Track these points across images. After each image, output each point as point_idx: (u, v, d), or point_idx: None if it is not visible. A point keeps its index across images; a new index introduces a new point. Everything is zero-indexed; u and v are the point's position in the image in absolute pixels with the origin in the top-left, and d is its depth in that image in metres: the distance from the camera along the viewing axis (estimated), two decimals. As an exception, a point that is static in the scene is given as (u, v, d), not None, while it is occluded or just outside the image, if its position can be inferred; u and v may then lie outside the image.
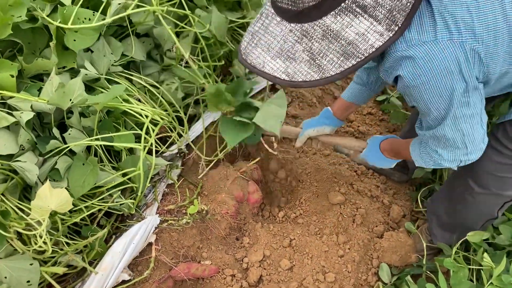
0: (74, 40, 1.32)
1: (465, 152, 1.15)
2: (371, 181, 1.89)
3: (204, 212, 1.50)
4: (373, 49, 0.95)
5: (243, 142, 1.53)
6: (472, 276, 1.45)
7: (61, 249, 1.25)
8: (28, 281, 1.15)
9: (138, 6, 1.36)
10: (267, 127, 1.29)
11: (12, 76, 1.21)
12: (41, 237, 1.14)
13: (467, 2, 0.97)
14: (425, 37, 0.97)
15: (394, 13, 0.93)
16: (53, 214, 1.19)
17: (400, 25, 0.94)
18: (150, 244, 1.42)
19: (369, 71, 1.51)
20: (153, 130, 1.39)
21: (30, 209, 1.15)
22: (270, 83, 1.81)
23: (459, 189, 1.44)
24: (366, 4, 0.92)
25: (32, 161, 1.22)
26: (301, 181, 1.80)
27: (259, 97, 1.85)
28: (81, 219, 1.32)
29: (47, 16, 1.30)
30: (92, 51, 1.43)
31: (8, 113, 1.20)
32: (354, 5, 0.93)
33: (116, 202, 1.36)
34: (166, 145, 1.58)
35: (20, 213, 1.17)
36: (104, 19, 1.34)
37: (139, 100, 1.49)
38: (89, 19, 1.33)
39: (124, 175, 1.37)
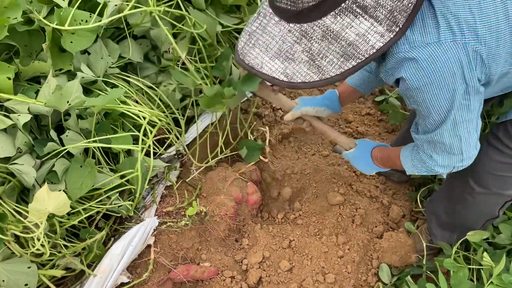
0: (71, 42, 1.32)
1: (460, 159, 1.14)
2: (370, 181, 1.88)
3: (203, 213, 1.50)
4: (374, 50, 0.94)
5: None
6: (472, 275, 1.44)
7: (59, 252, 1.24)
8: (26, 284, 1.14)
9: (135, 7, 1.36)
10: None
11: (9, 78, 1.20)
12: (38, 240, 1.14)
13: (469, 3, 0.96)
14: (428, 38, 0.96)
15: (395, 14, 0.92)
16: (51, 216, 1.18)
17: (401, 26, 0.93)
18: (149, 246, 1.41)
19: None
20: (151, 132, 1.38)
21: (27, 212, 1.15)
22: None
23: (458, 189, 1.44)
24: (367, 4, 0.91)
25: (29, 164, 1.21)
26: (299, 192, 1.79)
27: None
28: (79, 222, 1.31)
29: (44, 18, 1.29)
30: (89, 53, 1.42)
31: (5, 115, 1.20)
32: (354, 5, 0.92)
33: (114, 204, 1.35)
34: (164, 147, 1.58)
35: (18, 216, 1.17)
36: (101, 21, 1.34)
37: (137, 102, 1.48)
38: (86, 21, 1.33)
39: (122, 177, 1.36)
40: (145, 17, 1.46)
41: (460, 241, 1.48)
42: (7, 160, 1.20)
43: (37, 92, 1.27)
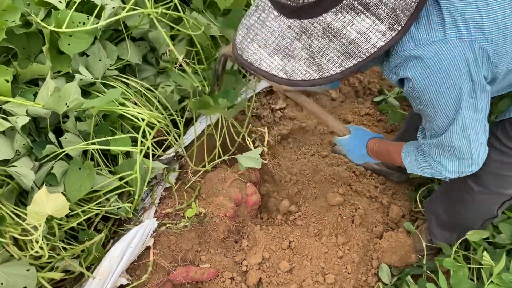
0: (69, 44, 1.32)
1: (469, 163, 1.11)
2: (370, 181, 1.88)
3: (202, 215, 1.50)
4: (375, 49, 0.93)
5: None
6: (473, 275, 1.44)
7: (58, 254, 1.24)
8: (25, 287, 1.14)
9: (132, 9, 1.36)
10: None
11: (7, 81, 1.20)
12: (37, 242, 1.14)
13: (476, 0, 0.94)
14: (434, 36, 0.95)
15: (397, 12, 0.90)
16: (49, 219, 1.18)
17: (403, 25, 0.91)
18: (148, 248, 1.41)
19: None
20: (150, 134, 1.38)
21: (26, 214, 1.14)
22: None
23: (457, 189, 1.44)
24: (369, 2, 0.89)
25: (28, 166, 1.21)
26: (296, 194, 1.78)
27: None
28: (78, 224, 1.31)
29: (41, 20, 1.30)
30: (87, 55, 1.43)
31: (3, 118, 1.20)
32: (356, 2, 0.90)
33: (113, 206, 1.35)
34: (162, 148, 1.58)
35: (16, 219, 1.17)
36: (98, 23, 1.34)
37: (135, 104, 1.48)
38: (84, 23, 1.33)
39: (121, 179, 1.36)
40: (143, 19, 1.47)
41: (460, 240, 1.47)
42: (5, 162, 1.20)
43: (35, 95, 1.27)
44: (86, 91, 1.42)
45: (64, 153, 1.27)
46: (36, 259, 1.19)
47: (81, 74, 1.37)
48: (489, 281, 1.31)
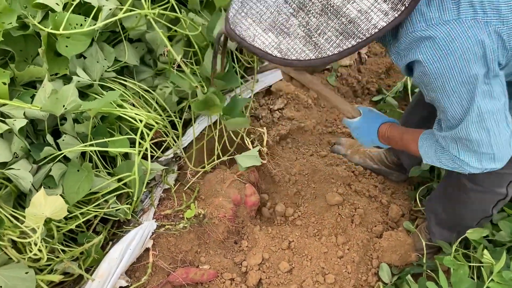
0: (66, 46, 1.32)
1: (491, 158, 1.03)
2: (369, 181, 1.88)
3: (201, 216, 1.50)
4: (376, 30, 0.87)
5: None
6: (473, 273, 1.44)
7: (57, 257, 1.24)
8: (24, 290, 1.14)
9: (129, 10, 1.36)
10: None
11: (4, 83, 1.20)
12: (36, 244, 1.13)
13: None
14: (447, 15, 0.89)
15: None
16: (48, 221, 1.18)
17: (407, 5, 0.86)
18: (147, 249, 1.41)
19: None
20: (148, 135, 1.38)
21: (24, 217, 1.14)
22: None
23: (453, 187, 1.43)
24: None
25: (26, 169, 1.21)
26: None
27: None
28: (77, 226, 1.31)
29: (39, 22, 1.29)
30: (85, 57, 1.42)
31: (1, 121, 1.20)
32: None
33: (112, 208, 1.35)
34: (161, 150, 1.57)
35: (15, 221, 1.17)
36: (95, 24, 1.34)
37: (134, 105, 1.48)
38: (81, 25, 1.33)
39: (119, 180, 1.36)
40: (140, 20, 1.46)
41: (460, 239, 1.47)
42: (3, 165, 1.19)
43: (33, 97, 1.27)
44: (84, 93, 1.42)
45: (62, 155, 1.27)
46: (34, 261, 1.19)
47: (79, 76, 1.37)
48: (490, 279, 1.30)
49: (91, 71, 1.42)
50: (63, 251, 1.26)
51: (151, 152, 1.44)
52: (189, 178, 1.63)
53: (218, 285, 1.49)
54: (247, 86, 1.85)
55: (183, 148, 1.65)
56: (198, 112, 1.52)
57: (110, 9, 1.36)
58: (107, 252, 1.32)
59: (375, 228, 1.69)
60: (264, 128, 1.78)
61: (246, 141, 1.68)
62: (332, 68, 2.17)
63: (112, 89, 1.45)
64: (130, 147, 1.36)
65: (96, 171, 1.36)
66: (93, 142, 1.31)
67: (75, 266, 1.26)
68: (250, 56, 1.87)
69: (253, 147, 1.63)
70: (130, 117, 1.39)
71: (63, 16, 1.30)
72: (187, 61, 1.57)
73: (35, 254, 1.15)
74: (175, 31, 1.52)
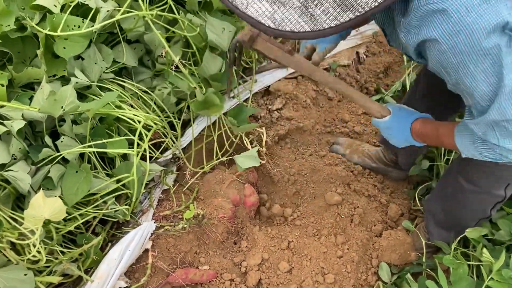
0: (64, 48, 1.32)
1: None
2: (368, 180, 1.88)
3: (200, 216, 1.50)
4: (376, 3, 0.82)
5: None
6: (472, 272, 1.43)
7: (56, 258, 1.24)
8: (23, 292, 1.14)
9: (127, 12, 1.37)
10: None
11: (2, 85, 1.21)
12: (34, 246, 1.13)
13: None
14: None
15: None
16: (46, 223, 1.18)
17: None
18: (146, 250, 1.41)
19: None
20: (146, 136, 1.38)
21: (23, 218, 1.14)
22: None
23: (450, 188, 1.42)
24: None
25: (24, 170, 1.21)
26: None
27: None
28: (76, 227, 1.31)
29: (36, 24, 1.30)
30: (83, 59, 1.43)
31: (-1, 122, 1.20)
32: None
33: (111, 209, 1.35)
34: (160, 151, 1.57)
35: (13, 223, 1.17)
36: (93, 26, 1.34)
37: (132, 106, 1.48)
38: (79, 27, 1.33)
39: (118, 181, 1.36)
40: (138, 21, 1.47)
41: (458, 238, 1.47)
42: (1, 167, 1.20)
43: (31, 99, 1.28)
44: (82, 94, 1.42)
45: (61, 156, 1.27)
46: (33, 263, 1.19)
47: (77, 78, 1.37)
48: (489, 277, 1.30)
49: (89, 73, 1.42)
50: (62, 252, 1.26)
51: (150, 153, 1.44)
52: (188, 178, 1.63)
53: (218, 286, 1.49)
54: (245, 86, 1.86)
55: (182, 149, 1.65)
56: (197, 112, 1.52)
57: (108, 11, 1.37)
58: (106, 253, 1.32)
59: (374, 228, 1.69)
60: (263, 128, 1.78)
61: (245, 142, 1.68)
62: (330, 68, 2.17)
63: (110, 90, 1.45)
64: (129, 148, 1.36)
65: (94, 172, 1.36)
66: (91, 143, 1.31)
67: (74, 267, 1.26)
68: (249, 56, 1.87)
69: (252, 148, 1.63)
70: (128, 118, 1.40)
71: (61, 18, 1.30)
72: (185, 62, 1.57)
73: (34, 256, 1.15)
74: (173, 32, 1.53)
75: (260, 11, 0.86)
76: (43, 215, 1.11)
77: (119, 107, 1.41)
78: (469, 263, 1.42)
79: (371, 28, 2.37)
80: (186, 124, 1.74)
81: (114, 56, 1.50)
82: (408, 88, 2.13)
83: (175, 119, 1.63)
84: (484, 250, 1.36)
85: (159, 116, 1.55)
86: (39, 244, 1.14)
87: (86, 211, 1.30)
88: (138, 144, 1.35)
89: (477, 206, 1.37)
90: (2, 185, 1.20)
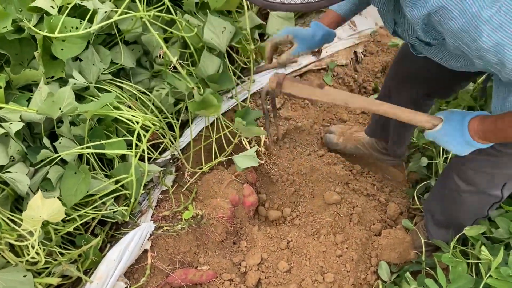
0: (62, 49, 1.32)
1: None
2: (367, 179, 1.88)
3: (199, 217, 1.50)
4: None
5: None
6: (471, 270, 1.44)
7: (55, 259, 1.24)
8: (22, 293, 1.14)
9: (125, 13, 1.37)
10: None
11: (0, 87, 1.21)
12: (33, 247, 1.13)
13: None
14: None
15: None
16: (45, 224, 1.18)
17: None
18: (145, 251, 1.40)
19: None
20: (145, 137, 1.38)
21: (22, 220, 1.14)
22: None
23: (448, 187, 1.42)
24: None
25: (22, 172, 1.21)
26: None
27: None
28: (75, 228, 1.31)
29: (34, 26, 1.30)
30: (81, 60, 1.43)
31: (-3, 124, 1.20)
32: None
33: (110, 210, 1.35)
34: (158, 151, 1.58)
35: (12, 225, 1.17)
36: (91, 27, 1.34)
37: (130, 107, 1.48)
38: (76, 28, 1.33)
39: (116, 182, 1.36)
40: (135, 22, 1.47)
41: (457, 236, 1.47)
42: (0, 168, 1.19)
43: (29, 100, 1.28)
44: (80, 95, 1.42)
45: (59, 158, 1.27)
46: (32, 264, 1.19)
47: (75, 79, 1.37)
48: (488, 275, 1.30)
49: (87, 74, 1.42)
50: (61, 253, 1.26)
51: (148, 153, 1.44)
52: (187, 179, 1.63)
53: (217, 286, 1.49)
54: (243, 86, 1.86)
55: (180, 150, 1.65)
56: (195, 113, 1.52)
57: (106, 12, 1.37)
58: (105, 254, 1.32)
59: (373, 227, 1.69)
60: (262, 128, 1.78)
61: (243, 142, 1.69)
62: (328, 68, 2.17)
63: (108, 91, 1.45)
64: (127, 149, 1.36)
65: (93, 173, 1.36)
66: (90, 144, 1.32)
67: (73, 268, 1.26)
68: (247, 56, 1.87)
69: (251, 148, 1.63)
70: (126, 119, 1.40)
71: (59, 19, 1.30)
72: (183, 63, 1.57)
73: (32, 257, 1.15)
74: (171, 32, 1.53)
75: None
76: (41, 217, 1.11)
77: (117, 108, 1.41)
78: (468, 261, 1.42)
79: (369, 27, 2.37)
80: (184, 125, 1.74)
81: (112, 57, 1.50)
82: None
83: (173, 119, 1.63)
84: (483, 248, 1.37)
85: (157, 117, 1.55)
86: (38, 245, 1.14)
87: (85, 212, 1.31)
88: (137, 145, 1.35)
89: (474, 206, 1.37)
90: (1, 187, 1.20)
